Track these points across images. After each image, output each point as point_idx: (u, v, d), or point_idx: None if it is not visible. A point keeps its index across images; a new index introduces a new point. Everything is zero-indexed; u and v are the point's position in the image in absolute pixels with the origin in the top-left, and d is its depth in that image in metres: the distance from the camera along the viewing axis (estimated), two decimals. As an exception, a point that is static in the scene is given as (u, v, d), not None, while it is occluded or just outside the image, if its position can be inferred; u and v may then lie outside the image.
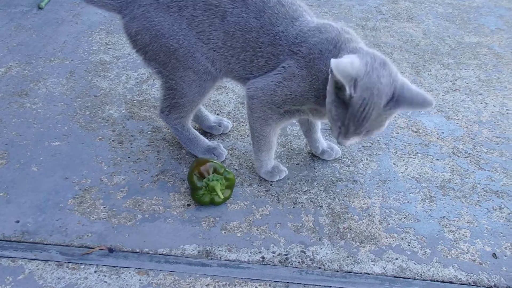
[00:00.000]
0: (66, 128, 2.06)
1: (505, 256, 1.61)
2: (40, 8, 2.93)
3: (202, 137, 1.96)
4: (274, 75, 1.63)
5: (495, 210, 1.78)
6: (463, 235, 1.68)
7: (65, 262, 1.51)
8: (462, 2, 3.45)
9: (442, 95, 2.42)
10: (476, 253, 1.62)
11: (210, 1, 1.62)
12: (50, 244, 1.57)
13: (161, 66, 1.74)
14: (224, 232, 1.65)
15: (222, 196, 1.72)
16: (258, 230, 1.67)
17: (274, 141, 1.82)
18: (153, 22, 1.67)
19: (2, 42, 2.64)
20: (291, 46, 1.60)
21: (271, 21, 1.61)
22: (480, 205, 1.79)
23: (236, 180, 1.83)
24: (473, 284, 1.52)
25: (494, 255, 1.61)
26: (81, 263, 1.51)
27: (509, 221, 1.74)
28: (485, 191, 1.85)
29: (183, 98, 1.80)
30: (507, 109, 2.32)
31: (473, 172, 1.95)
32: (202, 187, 1.71)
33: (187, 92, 1.78)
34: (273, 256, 1.58)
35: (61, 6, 2.99)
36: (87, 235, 1.61)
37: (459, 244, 1.65)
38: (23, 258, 1.52)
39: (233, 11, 1.62)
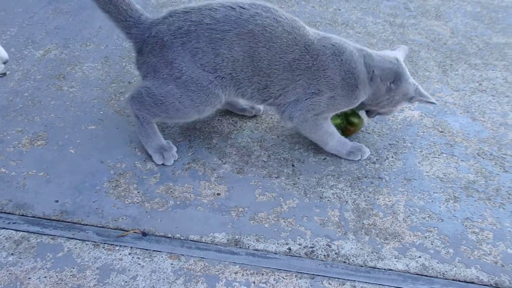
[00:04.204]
0: (101, 112, 2.12)
1: (527, 259, 1.65)
2: (76, -9, 2.99)
3: (159, 135, 1.94)
4: (306, 99, 1.85)
5: (519, 213, 1.82)
6: (486, 236, 1.72)
7: (101, 242, 1.59)
8: (491, 1, 3.44)
9: (469, 95, 2.44)
10: (498, 255, 1.65)
11: (214, 35, 1.73)
12: (87, 225, 1.64)
13: (157, 87, 1.80)
14: (253, 222, 1.71)
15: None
16: (285, 222, 1.72)
17: (332, 128, 1.97)
18: (157, 58, 1.77)
19: (40, 25, 2.71)
20: (313, 73, 1.82)
21: (282, 49, 1.77)
22: (504, 208, 1.83)
23: (264, 171, 1.89)
24: (494, 285, 1.56)
25: None
26: (116, 245, 1.58)
27: (532, 225, 1.77)
28: (509, 194, 1.89)
29: (162, 113, 1.85)
30: (533, 113, 2.34)
31: (498, 174, 1.98)
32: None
33: (170, 113, 1.85)
34: (300, 248, 1.64)
35: (96, -10, 3.04)
36: (122, 218, 1.67)
37: (481, 245, 1.69)
38: (62, 237, 1.59)
39: (240, 42, 1.74)
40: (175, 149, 1.94)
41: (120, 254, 1.56)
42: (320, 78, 1.82)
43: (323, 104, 1.85)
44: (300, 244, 1.65)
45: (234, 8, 1.75)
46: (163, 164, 1.89)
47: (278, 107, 1.90)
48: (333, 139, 1.96)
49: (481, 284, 1.56)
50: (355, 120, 2.08)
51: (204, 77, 1.76)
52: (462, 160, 2.04)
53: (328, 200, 1.82)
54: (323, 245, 1.66)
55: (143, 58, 1.80)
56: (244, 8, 1.75)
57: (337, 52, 1.83)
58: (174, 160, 1.91)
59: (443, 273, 1.59)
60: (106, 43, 2.60)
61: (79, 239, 1.59)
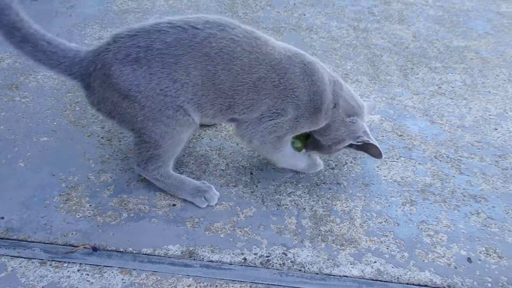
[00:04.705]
0: (55, 123, 2.08)
1: (479, 260, 1.66)
2: (34, -1, 2.94)
3: (187, 179, 1.84)
4: (269, 120, 1.75)
5: (473, 214, 1.83)
6: (440, 239, 1.72)
7: (48, 260, 1.54)
8: (452, 5, 3.48)
9: (428, 99, 2.45)
10: (451, 257, 1.66)
11: (167, 61, 1.61)
12: (34, 242, 1.60)
13: (131, 124, 1.70)
14: (208, 233, 1.68)
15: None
16: (241, 232, 1.70)
17: (289, 149, 1.89)
18: (110, 91, 1.64)
19: (-7, 34, 2.65)
20: (280, 92, 1.72)
21: (244, 70, 1.67)
22: (458, 210, 1.84)
23: (222, 180, 1.88)
24: (447, 287, 1.56)
25: (469, 259, 1.65)
26: (65, 262, 1.54)
27: (485, 225, 1.78)
28: (464, 196, 1.90)
29: (158, 149, 1.73)
30: (489, 114, 2.36)
31: (454, 176, 1.99)
32: None
33: (162, 143, 1.72)
34: (255, 257, 1.62)
35: (55, -2, 3.00)
36: (72, 233, 1.63)
37: (436, 248, 1.69)
38: (6, 256, 1.54)
39: (196, 65, 1.62)
40: (213, 187, 1.83)
41: (68, 271, 1.52)
42: (287, 97, 1.72)
43: (286, 126, 1.76)
44: (255, 254, 1.63)
45: (186, 30, 1.62)
46: (207, 206, 1.80)
47: (239, 124, 1.79)
48: (289, 159, 1.91)
49: (434, 287, 1.56)
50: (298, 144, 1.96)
51: (167, 103, 1.63)
52: (419, 163, 2.04)
53: (286, 207, 1.80)
54: (279, 253, 1.64)
55: (96, 95, 1.68)
56: (196, 29, 1.62)
57: (308, 72, 1.74)
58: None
59: (398, 278, 1.58)
60: (63, 53, 2.55)
61: (24, 257, 1.54)
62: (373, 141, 1.84)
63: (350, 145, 1.89)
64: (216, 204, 1.79)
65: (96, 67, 1.64)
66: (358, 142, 1.85)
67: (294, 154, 1.92)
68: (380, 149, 1.83)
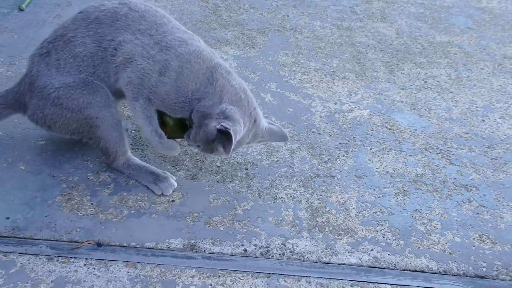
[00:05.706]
0: (51, 127, 2.09)
1: (473, 246, 1.72)
2: (20, 9, 2.94)
3: (148, 166, 1.88)
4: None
5: (465, 203, 1.89)
6: (434, 227, 1.78)
7: (55, 256, 1.57)
8: (433, 2, 3.56)
9: (415, 93, 2.52)
10: (446, 243, 1.72)
11: (66, 38, 1.75)
12: (40, 239, 1.62)
13: (66, 127, 1.81)
14: (208, 227, 1.72)
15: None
16: (240, 224, 1.74)
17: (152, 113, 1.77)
18: (35, 98, 1.79)
19: (-16, 43, 2.66)
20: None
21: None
22: (450, 199, 1.90)
23: (218, 176, 1.92)
24: (443, 272, 1.62)
25: None
26: (71, 257, 1.57)
27: (478, 213, 1.85)
28: (455, 185, 1.96)
29: (105, 137, 1.80)
30: (476, 107, 2.43)
31: (444, 167, 2.05)
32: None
33: (102, 129, 1.78)
34: (255, 248, 1.66)
35: (41, 7, 3.00)
36: (76, 231, 1.66)
37: (430, 235, 1.75)
38: (14, 253, 1.57)
39: (89, 32, 1.75)
40: (172, 178, 1.85)
41: (75, 266, 1.55)
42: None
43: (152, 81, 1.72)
44: (255, 245, 1.68)
45: (82, 12, 1.80)
46: (162, 194, 1.83)
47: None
48: (142, 118, 1.77)
49: (430, 272, 1.62)
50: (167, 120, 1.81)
51: (75, 85, 1.74)
52: (410, 155, 2.11)
53: (282, 200, 1.85)
54: (278, 244, 1.69)
55: (31, 109, 1.82)
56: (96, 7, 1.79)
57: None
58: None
59: (395, 264, 1.64)
60: (54, 58, 2.57)
61: (32, 254, 1.57)
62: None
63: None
64: (214, 199, 1.83)
65: (25, 82, 1.83)
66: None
67: (152, 119, 1.75)
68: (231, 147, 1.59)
